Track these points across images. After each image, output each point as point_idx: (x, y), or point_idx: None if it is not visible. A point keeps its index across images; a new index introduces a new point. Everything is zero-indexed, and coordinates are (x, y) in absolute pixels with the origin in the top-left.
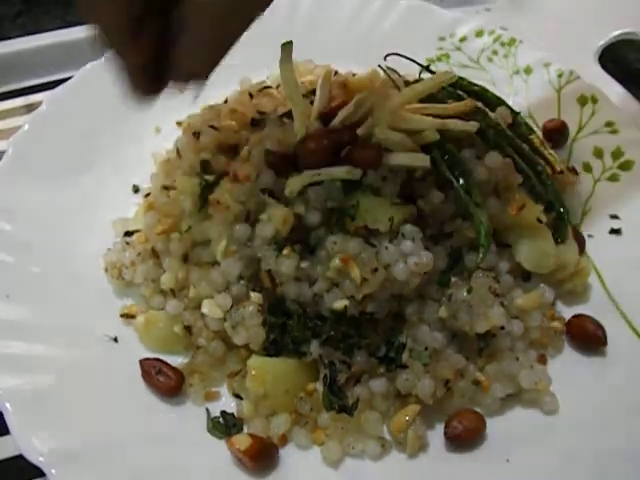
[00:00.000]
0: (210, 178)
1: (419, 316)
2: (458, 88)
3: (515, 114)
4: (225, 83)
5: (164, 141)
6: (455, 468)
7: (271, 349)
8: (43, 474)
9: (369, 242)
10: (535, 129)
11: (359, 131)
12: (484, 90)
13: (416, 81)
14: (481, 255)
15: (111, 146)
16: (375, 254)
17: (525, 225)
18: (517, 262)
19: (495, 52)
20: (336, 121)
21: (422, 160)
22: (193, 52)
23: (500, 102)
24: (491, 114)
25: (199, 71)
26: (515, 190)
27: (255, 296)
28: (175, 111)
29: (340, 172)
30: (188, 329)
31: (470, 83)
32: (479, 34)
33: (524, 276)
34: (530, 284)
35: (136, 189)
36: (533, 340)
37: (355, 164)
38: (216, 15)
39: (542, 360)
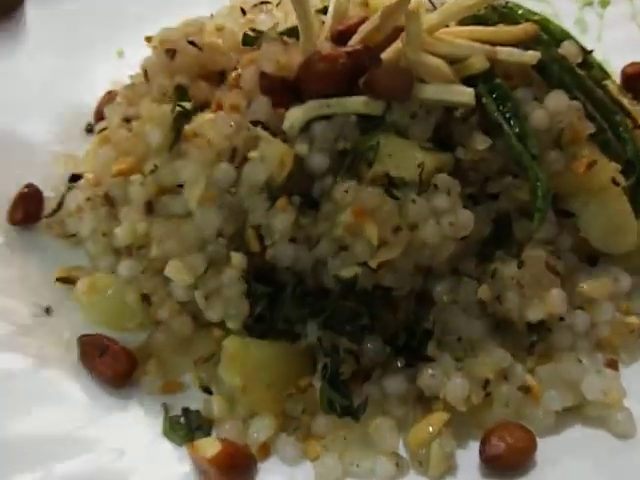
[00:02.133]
0: (187, 105)
1: (451, 297)
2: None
3: (586, 52)
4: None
5: (127, 68)
6: None
7: (255, 329)
8: None
9: (391, 194)
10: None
11: (384, 54)
12: (546, 20)
13: None
14: (536, 222)
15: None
16: (398, 209)
17: (595, 189)
18: (582, 237)
19: None
20: (355, 39)
21: (464, 95)
22: None
23: (566, 36)
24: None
25: None
26: (584, 143)
27: (236, 257)
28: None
29: (357, 103)
30: (146, 299)
31: (529, 11)
32: None
33: (590, 258)
34: (598, 269)
35: (89, 128)
36: (601, 339)
37: (377, 94)
38: None
39: (612, 366)
